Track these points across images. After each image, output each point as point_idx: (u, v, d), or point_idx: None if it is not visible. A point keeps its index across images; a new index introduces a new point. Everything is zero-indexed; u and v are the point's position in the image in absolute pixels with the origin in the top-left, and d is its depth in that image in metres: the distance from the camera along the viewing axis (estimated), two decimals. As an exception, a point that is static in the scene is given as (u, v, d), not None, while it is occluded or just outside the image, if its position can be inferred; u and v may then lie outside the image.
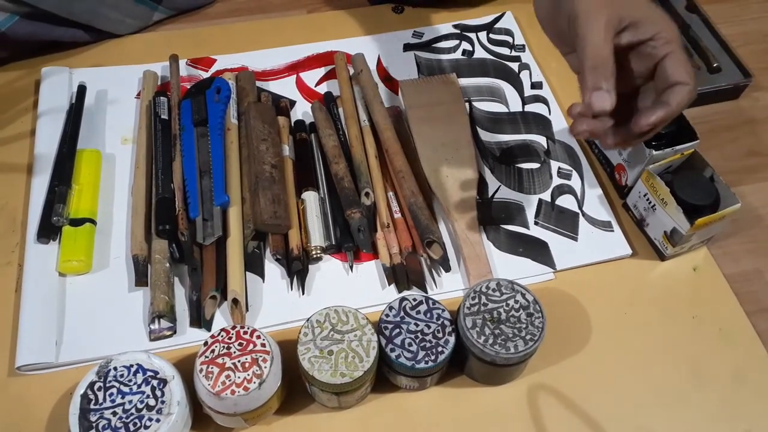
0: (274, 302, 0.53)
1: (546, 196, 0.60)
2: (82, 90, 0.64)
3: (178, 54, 0.67)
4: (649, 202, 0.55)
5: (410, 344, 0.46)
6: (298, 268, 0.54)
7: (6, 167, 0.60)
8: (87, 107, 0.63)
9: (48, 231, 0.54)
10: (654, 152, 0.55)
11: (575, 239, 0.57)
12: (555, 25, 0.48)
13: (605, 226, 0.58)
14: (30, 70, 0.67)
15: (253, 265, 0.55)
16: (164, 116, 0.61)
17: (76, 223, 0.55)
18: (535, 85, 0.68)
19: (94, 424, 0.42)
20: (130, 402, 0.43)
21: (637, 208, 0.58)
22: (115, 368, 0.44)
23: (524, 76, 0.68)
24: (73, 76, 0.66)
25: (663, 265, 0.56)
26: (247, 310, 0.52)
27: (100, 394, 0.44)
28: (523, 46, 0.71)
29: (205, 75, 0.67)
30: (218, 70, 0.68)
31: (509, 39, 0.72)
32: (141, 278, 0.52)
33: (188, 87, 0.65)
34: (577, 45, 0.44)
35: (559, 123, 0.65)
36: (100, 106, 0.65)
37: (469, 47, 0.71)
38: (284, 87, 0.67)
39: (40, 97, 0.64)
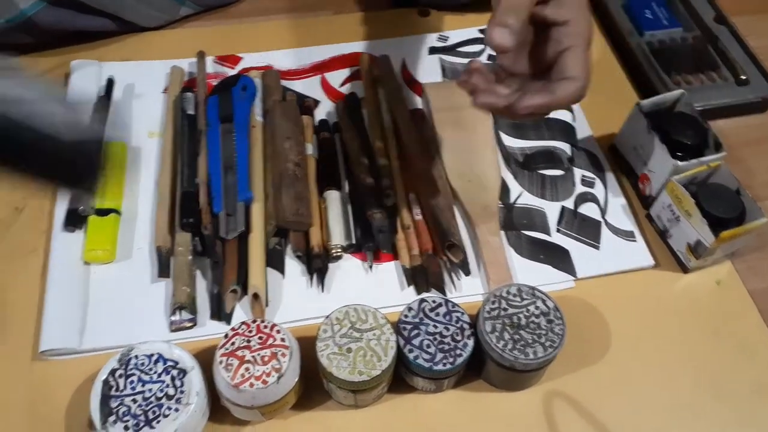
0: (294, 298, 0.54)
1: (569, 203, 0.59)
2: (110, 83, 0.65)
3: (204, 51, 0.68)
4: (673, 213, 0.55)
5: (428, 346, 0.46)
6: (318, 265, 0.54)
7: (35, 156, 0.61)
8: (114, 100, 0.64)
9: (74, 220, 0.55)
10: (679, 163, 0.54)
11: (597, 248, 0.57)
12: None
13: (628, 235, 0.58)
14: (59, 61, 0.68)
15: (274, 260, 0.55)
16: (190, 112, 0.62)
17: (102, 213, 0.56)
18: (560, 92, 0.67)
19: (114, 410, 0.43)
20: (150, 390, 0.44)
21: (661, 219, 0.57)
22: (137, 356, 0.45)
23: (549, 82, 0.68)
24: (102, 70, 0.67)
25: (686, 278, 0.56)
26: (266, 305, 0.52)
27: (121, 381, 0.44)
28: (549, 52, 0.71)
29: (231, 72, 0.68)
30: (244, 68, 0.68)
31: (535, 45, 0.71)
32: (164, 270, 0.53)
33: (214, 84, 0.66)
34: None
35: (584, 130, 0.65)
36: (128, 100, 0.65)
37: (494, 52, 0.71)
38: (309, 87, 0.68)
39: (69, 89, 0.64)
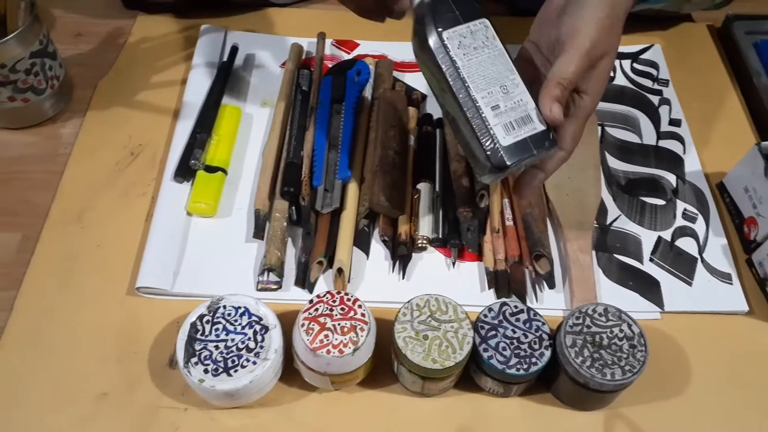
0: (374, 280, 0.55)
1: (666, 234, 0.58)
2: (234, 50, 0.69)
3: (325, 33, 0.70)
4: (778, 262, 0.52)
5: (504, 349, 0.46)
6: (402, 252, 0.55)
7: (156, 108, 0.65)
8: (236, 67, 0.68)
9: (184, 172, 0.59)
10: (794, 211, 0.52)
11: (690, 284, 0.55)
12: (549, 25, 0.47)
13: (724, 277, 0.55)
14: (191, 24, 0.72)
15: (361, 241, 0.56)
16: (305, 88, 0.64)
17: (210, 170, 0.59)
18: (673, 122, 0.66)
19: (197, 353, 0.45)
20: (233, 340, 0.46)
21: (763, 267, 0.55)
22: (225, 306, 0.47)
23: (663, 110, 0.66)
24: (227, 37, 0.71)
25: (780, 331, 0.53)
26: (348, 281, 0.54)
27: (207, 327, 0.47)
28: (667, 81, 0.69)
29: (347, 57, 0.70)
30: (359, 54, 0.70)
31: (653, 72, 0.70)
32: (259, 231, 0.56)
33: (330, 65, 0.68)
34: (560, 57, 0.43)
35: (693, 164, 0.63)
36: (248, 69, 0.69)
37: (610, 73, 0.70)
38: (418, 81, 0.69)
39: (196, 50, 0.69)
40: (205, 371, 0.45)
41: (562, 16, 0.45)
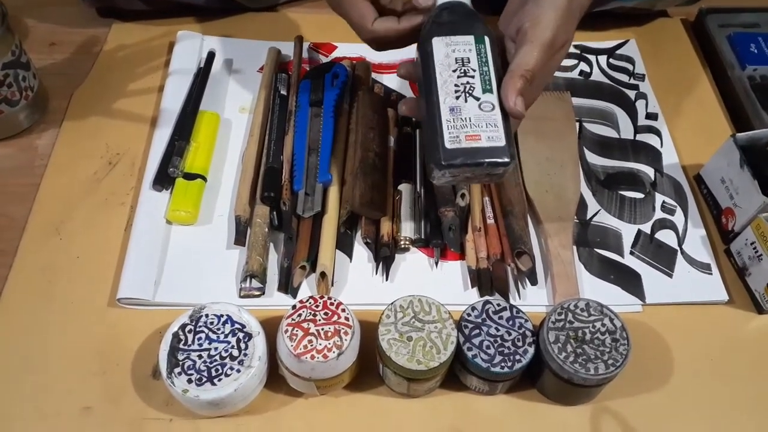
0: (358, 283, 0.55)
1: (646, 227, 0.58)
2: (211, 56, 0.68)
3: (302, 36, 0.70)
4: (756, 252, 0.53)
5: (488, 347, 0.46)
6: (385, 254, 0.55)
7: (133, 116, 0.65)
8: (213, 73, 0.67)
9: (163, 180, 0.58)
10: (770, 201, 0.52)
11: (670, 275, 0.55)
12: (513, 16, 0.47)
13: (704, 267, 0.56)
14: (167, 30, 0.72)
15: (344, 244, 0.56)
16: (283, 92, 0.64)
17: (189, 177, 0.58)
18: (650, 116, 0.66)
19: (180, 362, 0.45)
20: (216, 349, 0.46)
21: (741, 256, 0.55)
22: (207, 315, 0.47)
23: (640, 105, 0.67)
24: (204, 43, 0.70)
25: (760, 319, 0.54)
26: (332, 285, 0.54)
27: (190, 336, 0.46)
28: (643, 75, 0.70)
29: (325, 60, 0.70)
30: (337, 57, 0.70)
31: (629, 66, 0.71)
32: (240, 238, 0.55)
33: (308, 69, 0.68)
34: (523, 47, 0.43)
35: (670, 157, 0.63)
36: (225, 74, 0.68)
37: (587, 69, 0.70)
38: (397, 81, 0.69)
39: (172, 57, 0.68)
40: (189, 381, 0.44)
41: (525, 5, 0.45)
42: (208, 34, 0.71)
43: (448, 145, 0.42)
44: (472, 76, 0.43)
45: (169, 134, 0.61)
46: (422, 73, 0.45)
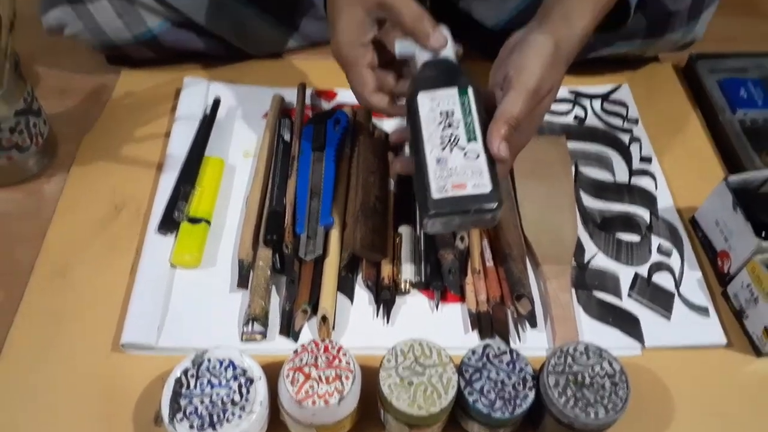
0: (359, 326, 0.55)
1: (643, 270, 0.59)
2: (216, 103, 0.70)
3: (305, 83, 0.72)
4: (752, 294, 0.54)
5: (489, 392, 0.46)
6: (386, 297, 0.56)
7: (140, 161, 0.66)
8: (218, 119, 0.69)
9: (168, 224, 0.59)
10: (763, 243, 0.53)
11: (668, 318, 0.56)
12: (501, 67, 0.49)
13: (701, 311, 0.56)
14: (174, 76, 0.74)
15: (345, 286, 0.57)
16: (286, 138, 0.66)
17: (194, 221, 0.60)
18: (644, 159, 0.68)
19: (182, 408, 0.45)
20: (218, 394, 0.46)
21: (738, 299, 0.56)
22: (209, 360, 0.47)
23: (634, 148, 0.69)
24: (210, 89, 0.72)
25: (759, 362, 0.54)
26: (333, 328, 0.54)
27: (192, 381, 0.47)
28: (637, 119, 0.71)
29: (327, 106, 0.72)
30: (339, 103, 0.72)
31: (623, 111, 0.72)
32: (243, 281, 0.56)
33: (311, 114, 0.70)
34: (508, 94, 0.45)
35: (665, 200, 0.64)
36: (230, 120, 0.70)
37: (581, 113, 0.72)
38: (396, 127, 0.70)
39: (179, 103, 0.70)
40: (191, 427, 0.45)
41: (511, 54, 0.47)
42: (214, 80, 0.74)
43: (435, 195, 0.43)
44: (457, 127, 0.45)
45: (175, 179, 0.63)
46: (409, 128, 0.47)
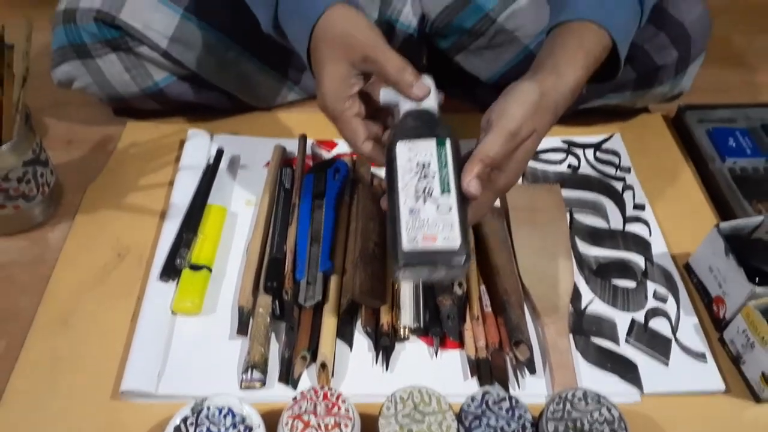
0: (358, 372, 0.55)
1: (639, 316, 0.60)
2: (219, 153, 0.72)
3: (305, 134, 0.74)
4: (748, 339, 0.54)
5: (488, 438, 0.46)
6: (385, 343, 0.56)
7: (143, 210, 0.68)
8: (221, 168, 0.71)
9: (170, 271, 0.60)
10: (757, 289, 0.54)
11: (666, 364, 0.56)
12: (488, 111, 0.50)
13: (699, 357, 0.57)
14: (178, 128, 0.76)
15: (344, 333, 0.57)
16: (287, 186, 0.67)
17: (195, 268, 0.60)
18: (638, 206, 0.69)
19: (181, 457, 0.45)
20: (217, 442, 0.46)
21: (734, 344, 0.56)
22: (209, 408, 0.48)
23: (627, 196, 0.70)
24: (213, 140, 0.74)
25: (757, 408, 0.54)
26: (332, 375, 0.54)
27: (192, 429, 0.47)
28: (629, 168, 0.73)
29: (327, 155, 0.74)
30: (339, 153, 0.74)
31: (616, 159, 0.74)
32: (243, 328, 0.57)
33: (311, 164, 0.72)
34: (487, 135, 0.46)
35: (659, 246, 0.65)
36: (232, 169, 0.72)
37: (575, 162, 0.74)
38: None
39: (183, 153, 0.72)
40: (190, 475, 0.45)
41: (497, 101, 0.48)
42: (218, 131, 0.76)
43: (405, 246, 0.44)
44: (433, 178, 0.45)
45: (177, 227, 0.64)
46: (386, 176, 0.47)
